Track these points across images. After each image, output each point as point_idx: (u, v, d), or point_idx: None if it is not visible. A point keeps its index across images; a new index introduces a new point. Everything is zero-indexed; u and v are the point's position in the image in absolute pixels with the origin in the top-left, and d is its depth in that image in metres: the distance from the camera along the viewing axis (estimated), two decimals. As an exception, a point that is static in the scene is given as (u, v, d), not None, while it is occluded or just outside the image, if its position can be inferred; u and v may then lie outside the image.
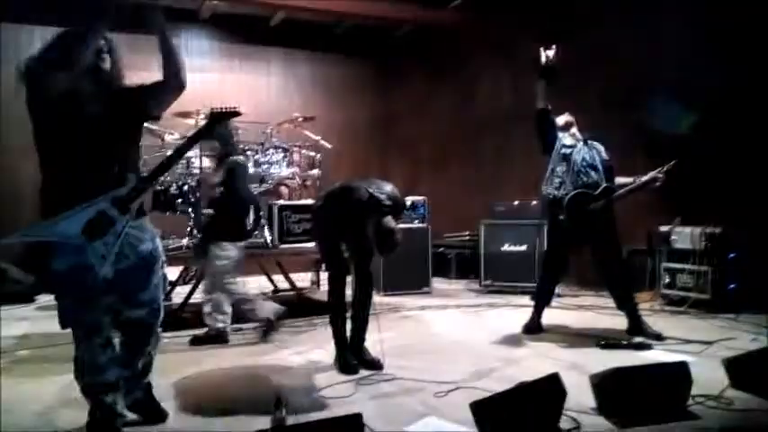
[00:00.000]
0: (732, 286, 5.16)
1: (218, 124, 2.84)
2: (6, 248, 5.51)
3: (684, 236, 5.42)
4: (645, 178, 4.27)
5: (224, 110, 2.76)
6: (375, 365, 3.59)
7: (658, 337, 4.14)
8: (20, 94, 2.49)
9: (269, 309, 4.45)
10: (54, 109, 2.45)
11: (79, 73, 2.46)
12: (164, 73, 2.59)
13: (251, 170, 5.54)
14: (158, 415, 2.82)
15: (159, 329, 2.81)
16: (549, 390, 2.69)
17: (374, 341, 3.70)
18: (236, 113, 2.77)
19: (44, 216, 2.45)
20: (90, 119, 2.48)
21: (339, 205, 3.63)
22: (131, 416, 2.72)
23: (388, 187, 3.61)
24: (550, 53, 4.20)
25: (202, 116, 5.66)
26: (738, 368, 3.15)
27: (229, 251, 4.28)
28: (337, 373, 3.56)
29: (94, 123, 2.49)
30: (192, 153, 5.48)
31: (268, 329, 4.45)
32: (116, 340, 2.67)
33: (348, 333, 3.72)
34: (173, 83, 2.61)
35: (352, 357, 3.64)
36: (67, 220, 2.39)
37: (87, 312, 2.49)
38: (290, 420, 2.40)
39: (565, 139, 4.38)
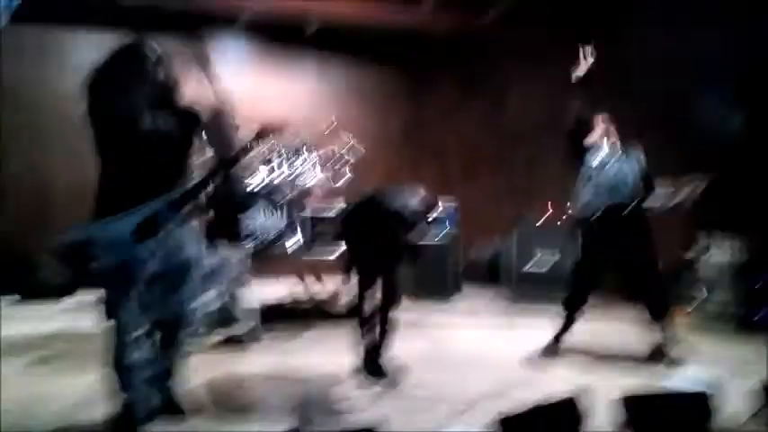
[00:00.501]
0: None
1: (268, 137, 2.95)
2: (44, 244, 5.72)
3: (721, 252, 5.28)
4: (677, 199, 4.19)
5: (273, 126, 2.91)
6: (396, 376, 3.62)
7: (684, 359, 4.05)
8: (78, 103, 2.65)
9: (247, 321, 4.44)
10: (113, 121, 2.62)
11: (139, 86, 2.64)
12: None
13: (284, 175, 5.62)
14: (178, 413, 2.91)
15: (188, 335, 2.91)
16: (568, 413, 2.67)
17: (397, 351, 3.72)
18: (284, 127, 2.90)
19: (98, 216, 2.61)
20: (148, 130, 2.64)
21: (366, 216, 3.67)
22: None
23: (416, 199, 3.61)
24: (588, 62, 4.13)
25: (238, 122, 5.77)
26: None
27: (220, 254, 4.29)
28: (357, 381, 3.60)
29: (152, 134, 2.65)
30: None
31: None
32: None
33: (372, 341, 3.74)
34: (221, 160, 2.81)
35: (374, 367, 3.66)
36: (123, 220, 2.57)
37: (131, 308, 2.63)
38: (309, 428, 2.43)
39: (597, 153, 4.30)
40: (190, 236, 2.80)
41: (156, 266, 2.66)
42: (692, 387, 3.16)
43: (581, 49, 4.17)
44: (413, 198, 3.57)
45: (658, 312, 4.22)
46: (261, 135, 2.91)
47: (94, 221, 2.60)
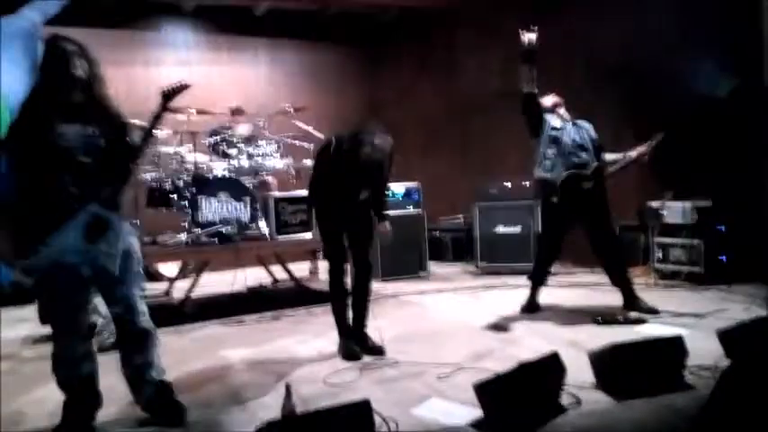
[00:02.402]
0: (723, 258, 5.25)
1: (171, 99, 2.81)
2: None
3: (675, 210, 5.49)
4: (633, 153, 4.33)
5: (173, 87, 2.76)
6: (377, 351, 3.65)
7: (653, 312, 4.23)
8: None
9: None
10: (33, 134, 2.50)
11: (59, 87, 2.53)
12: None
13: (245, 163, 5.58)
14: (176, 411, 2.79)
15: (150, 327, 2.79)
16: (549, 368, 2.76)
17: (375, 327, 3.76)
18: (185, 86, 2.78)
19: (21, 228, 2.51)
20: (73, 140, 2.52)
21: (335, 161, 3.72)
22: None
23: (380, 135, 3.77)
24: (532, 36, 4.14)
25: (193, 111, 5.67)
26: (732, 338, 3.24)
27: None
28: (341, 360, 3.62)
29: (78, 144, 2.53)
30: (184, 148, 5.50)
31: None
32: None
33: (349, 320, 3.77)
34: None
35: (355, 344, 3.69)
36: (62, 233, 2.48)
37: (66, 310, 2.60)
38: (300, 409, 2.45)
39: (553, 120, 4.41)
40: (125, 225, 2.71)
41: (102, 262, 2.58)
42: (666, 333, 3.31)
43: (525, 27, 4.17)
44: (375, 134, 3.65)
45: (617, 276, 4.42)
46: (166, 98, 2.80)
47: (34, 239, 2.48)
